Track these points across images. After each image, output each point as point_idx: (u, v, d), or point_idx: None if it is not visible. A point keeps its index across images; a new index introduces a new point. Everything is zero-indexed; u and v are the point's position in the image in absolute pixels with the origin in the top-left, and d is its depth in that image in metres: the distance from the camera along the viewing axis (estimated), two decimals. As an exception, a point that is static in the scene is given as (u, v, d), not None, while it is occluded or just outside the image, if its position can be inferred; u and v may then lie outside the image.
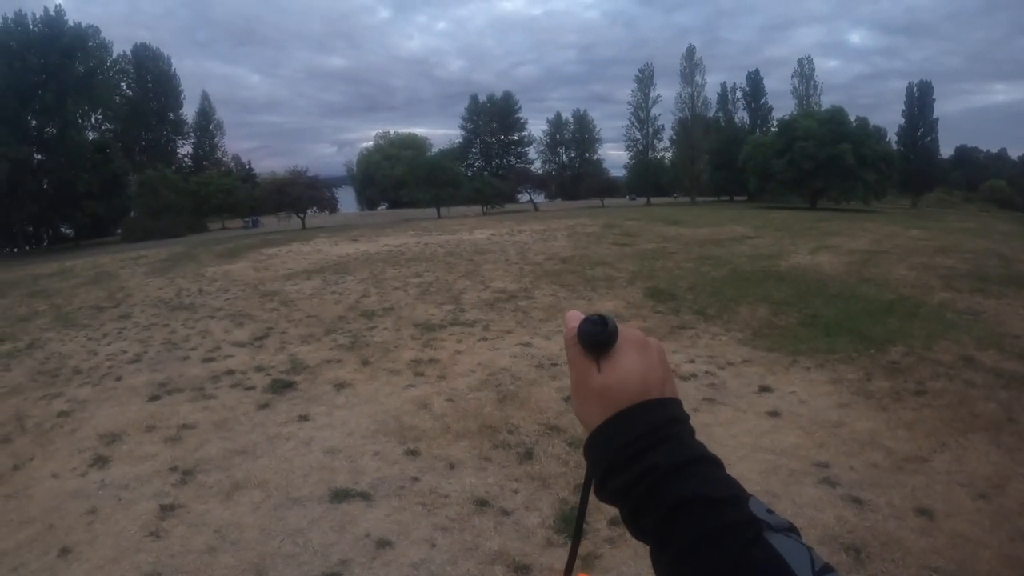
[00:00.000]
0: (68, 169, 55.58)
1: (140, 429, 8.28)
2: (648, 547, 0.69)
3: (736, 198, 77.42)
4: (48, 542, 5.88)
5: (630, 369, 0.74)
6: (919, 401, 8.20)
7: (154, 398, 9.41)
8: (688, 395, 8.43)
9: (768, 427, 7.49)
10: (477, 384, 9.20)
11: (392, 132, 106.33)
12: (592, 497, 0.78)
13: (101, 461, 7.42)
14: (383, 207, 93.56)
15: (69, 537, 5.91)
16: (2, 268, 33.10)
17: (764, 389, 8.71)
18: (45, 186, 57.85)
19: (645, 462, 0.68)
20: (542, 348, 10.78)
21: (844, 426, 7.47)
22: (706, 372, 9.45)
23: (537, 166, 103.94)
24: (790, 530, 0.64)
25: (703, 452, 0.71)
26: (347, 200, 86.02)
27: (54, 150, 56.10)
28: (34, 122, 57.06)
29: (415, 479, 6.55)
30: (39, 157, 57.22)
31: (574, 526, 0.86)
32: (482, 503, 6.04)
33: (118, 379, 10.47)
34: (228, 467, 7.02)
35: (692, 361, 9.99)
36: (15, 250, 58.66)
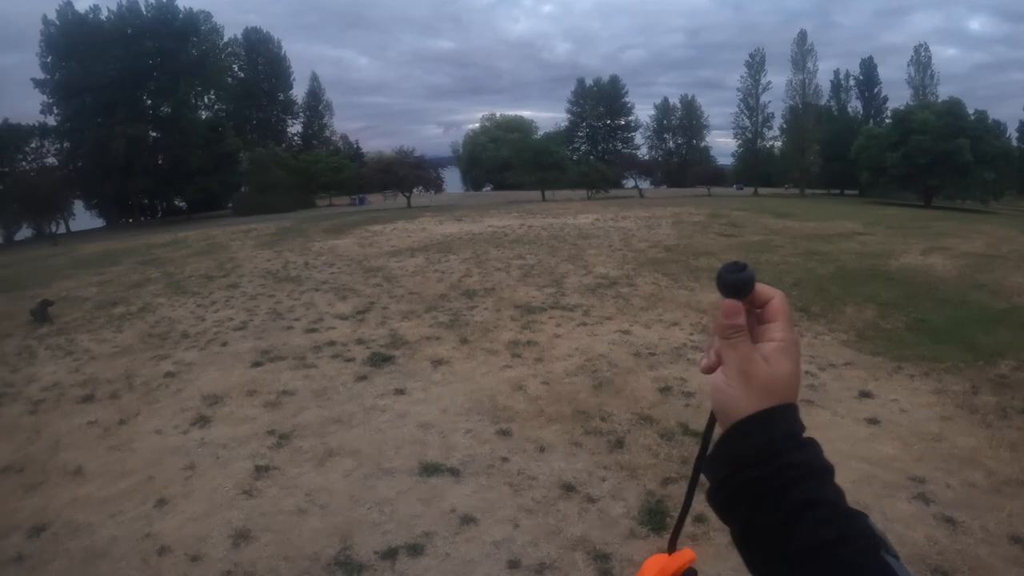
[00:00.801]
0: (182, 146, 59.02)
1: (242, 393, 8.67)
2: (738, 543, 0.73)
3: (847, 192, 74.16)
4: (146, 493, 6.23)
5: (792, 370, 0.76)
6: (1026, 420, 7.62)
7: (257, 364, 9.82)
8: None
9: (865, 435, 7.14)
10: (574, 369, 9.16)
11: (498, 114, 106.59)
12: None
13: (202, 421, 7.82)
14: (488, 188, 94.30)
15: (166, 490, 6.24)
16: (118, 238, 35.13)
17: (864, 394, 8.29)
18: (160, 162, 61.49)
19: (787, 459, 0.72)
20: (641, 336, 10.63)
21: (944, 440, 7.01)
22: (806, 372, 9.06)
23: (643, 152, 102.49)
24: (896, 556, 0.65)
25: (830, 463, 0.75)
26: (452, 181, 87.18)
27: (168, 128, 59.83)
28: (149, 102, 61.01)
29: (504, 459, 6.59)
30: (154, 135, 61.05)
31: (683, 500, 0.89)
32: (569, 488, 6.02)
33: (223, 344, 10.97)
34: (323, 434, 7.25)
35: None
36: (131, 221, 62.41)
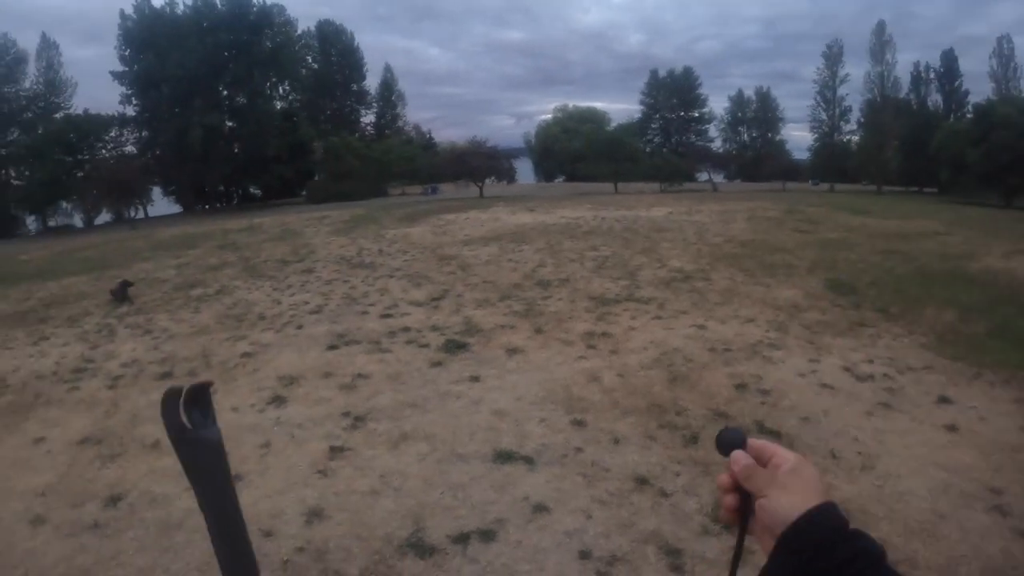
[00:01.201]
0: (257, 135, 60.81)
1: (317, 375, 8.79)
2: None
3: (926, 189, 71.26)
4: (224, 468, 6.30)
5: (817, 474, 0.93)
6: (1107, 434, 7.15)
7: (332, 347, 9.95)
8: (863, 397, 7.92)
9: (944, 442, 6.82)
10: (648, 362, 9.02)
11: (571, 105, 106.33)
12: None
13: (278, 400, 7.95)
14: (560, 179, 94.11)
15: (242, 466, 6.32)
16: (196, 223, 36.17)
17: (943, 400, 7.90)
18: (236, 150, 63.32)
19: (861, 545, 0.81)
20: (716, 332, 10.41)
21: None
22: (884, 375, 8.72)
23: (717, 144, 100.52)
24: None
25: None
26: (524, 171, 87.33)
27: (244, 118, 61.77)
28: (225, 92, 63.07)
29: (579, 449, 6.52)
30: (231, 124, 63.10)
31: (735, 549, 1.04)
32: (642, 481, 5.92)
33: (299, 327, 11.15)
34: (398, 418, 7.29)
35: (871, 361, 9.26)
36: (207, 207, 64.36)
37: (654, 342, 9.87)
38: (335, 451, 6.51)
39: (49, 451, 7.28)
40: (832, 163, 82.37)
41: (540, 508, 5.46)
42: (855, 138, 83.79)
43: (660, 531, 5.16)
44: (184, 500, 5.87)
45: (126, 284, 14.82)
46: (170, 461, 6.62)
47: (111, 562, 5.19)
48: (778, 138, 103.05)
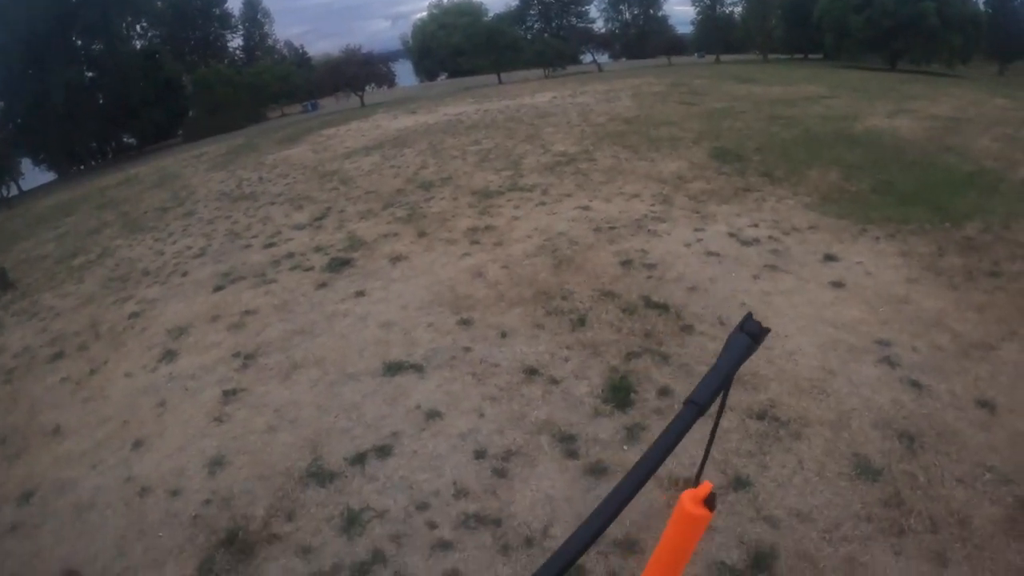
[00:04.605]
0: (121, 82, 56.70)
1: (205, 320, 8.64)
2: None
3: (811, 56, 71.92)
4: (123, 437, 6.28)
5: None
6: (992, 283, 7.54)
7: (218, 288, 9.76)
8: (750, 261, 8.15)
9: (830, 299, 7.14)
10: (533, 250, 9.10)
11: (446, 0, 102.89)
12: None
13: (169, 355, 7.81)
14: (443, 77, 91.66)
15: (141, 430, 6.29)
16: (72, 187, 34.30)
17: (829, 258, 8.23)
18: (101, 102, 59.18)
19: None
20: (601, 211, 10.51)
21: (910, 303, 7.02)
22: (769, 237, 9.00)
23: (599, 25, 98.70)
24: None
25: None
26: (405, 74, 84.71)
27: (104, 66, 57.21)
28: (80, 42, 57.93)
29: (467, 349, 6.63)
30: (91, 75, 58.40)
31: (707, 444, 1.06)
32: (532, 372, 6.08)
33: (184, 275, 10.86)
34: (288, 348, 7.27)
35: (756, 225, 9.52)
36: (82, 167, 60.75)
37: (538, 229, 9.94)
38: (228, 395, 6.48)
39: (-44, 463, 7.09)
40: (716, 35, 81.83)
41: (433, 414, 5.60)
42: (738, 9, 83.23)
43: (552, 419, 5.36)
44: (91, 479, 5.84)
45: (2, 271, 14.12)
46: (72, 443, 6.58)
47: (34, 560, 5.15)
48: (660, 14, 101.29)
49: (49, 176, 60.85)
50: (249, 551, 4.63)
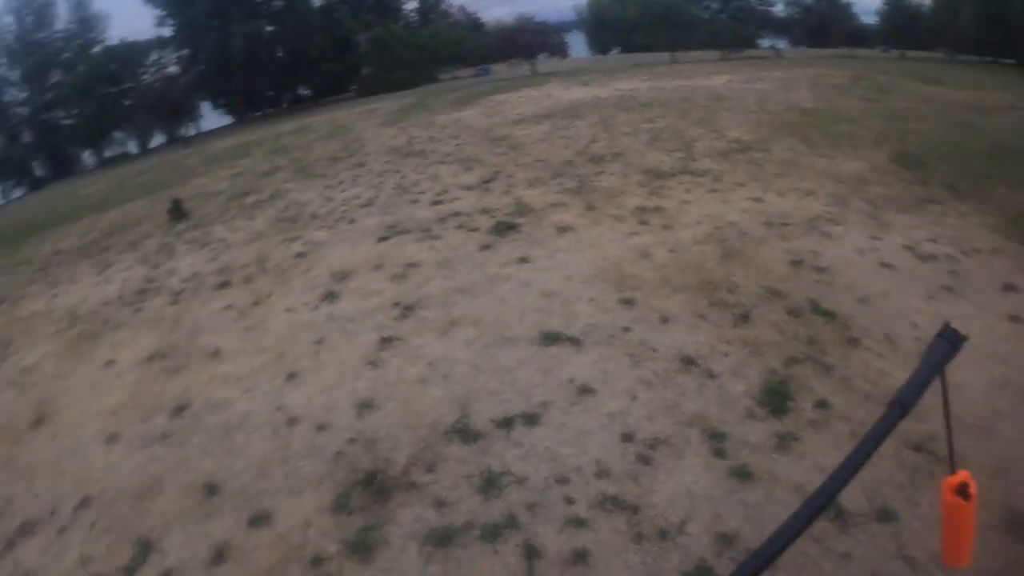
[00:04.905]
0: (299, 36, 59.92)
1: (368, 267, 8.95)
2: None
3: (1003, 60, 65.84)
4: (278, 368, 6.61)
5: None
6: None
7: (383, 239, 10.06)
8: (925, 278, 7.53)
9: (1007, 332, 6.42)
10: (702, 237, 8.81)
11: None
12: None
13: (331, 297, 8.17)
14: (615, 51, 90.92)
15: (297, 364, 6.60)
16: (247, 131, 36.43)
17: (1009, 288, 7.35)
18: (280, 54, 62.59)
19: None
20: (774, 205, 10.03)
21: None
22: (948, 256, 8.20)
23: (779, 8, 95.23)
24: None
25: None
26: (577, 45, 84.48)
27: (284, 20, 60.50)
28: None
29: (626, 329, 6.51)
30: (271, 29, 61.83)
31: (946, 429, 1.18)
32: (689, 362, 5.90)
33: (351, 222, 11.29)
34: (447, 304, 7.40)
35: (934, 241, 8.68)
36: (258, 114, 64.51)
37: (708, 216, 9.62)
38: (385, 342, 6.69)
39: (119, 372, 7.71)
40: (902, 29, 77.28)
41: (585, 390, 5.54)
42: (927, 1, 78.13)
43: (705, 414, 5.20)
44: (244, 403, 6.17)
45: (178, 202, 15.15)
46: (230, 367, 6.97)
47: (179, 468, 5.52)
48: (844, 1, 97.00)
49: (226, 120, 65.03)
50: (386, 494, 4.77)
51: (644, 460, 4.81)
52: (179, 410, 6.38)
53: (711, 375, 5.72)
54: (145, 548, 4.79)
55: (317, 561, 4.37)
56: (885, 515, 4.27)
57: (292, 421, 5.68)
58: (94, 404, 7.06)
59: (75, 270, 12.91)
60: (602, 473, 4.73)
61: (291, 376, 6.40)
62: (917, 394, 1.01)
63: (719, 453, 4.82)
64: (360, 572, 4.27)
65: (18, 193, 57.50)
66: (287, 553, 4.48)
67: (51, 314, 10.52)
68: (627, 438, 4.99)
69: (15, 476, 6.23)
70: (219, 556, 4.57)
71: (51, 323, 10.08)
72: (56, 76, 61.54)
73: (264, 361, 6.83)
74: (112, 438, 6.28)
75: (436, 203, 11.56)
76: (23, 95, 62.48)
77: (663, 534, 4.22)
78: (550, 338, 6.39)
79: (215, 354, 7.37)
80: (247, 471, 5.26)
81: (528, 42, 52.98)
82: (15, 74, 61.63)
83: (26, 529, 5.41)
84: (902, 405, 1.00)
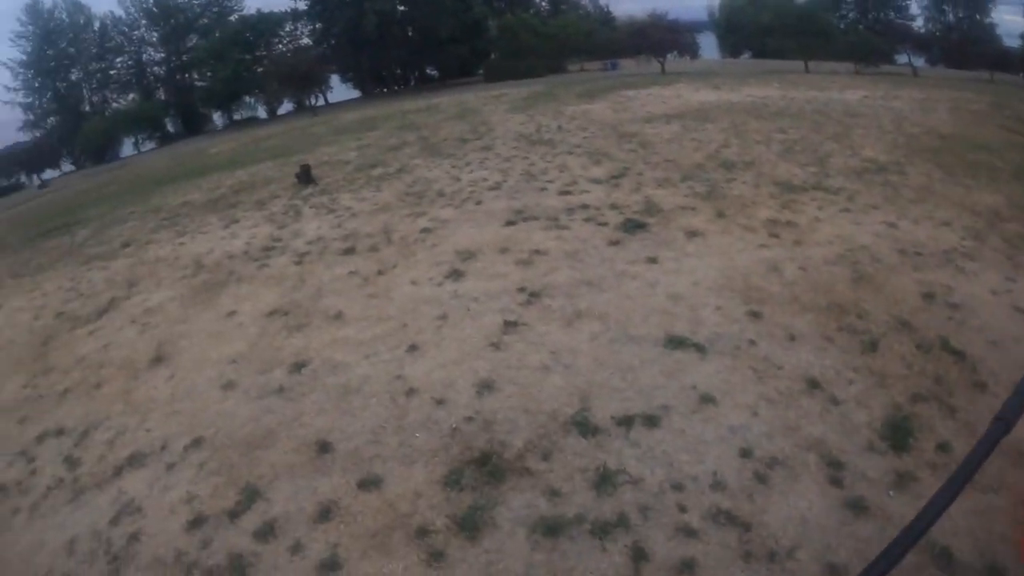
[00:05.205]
0: (430, 17, 61.06)
1: (494, 250, 8.99)
2: None
3: None
4: (400, 338, 6.72)
5: None
6: None
7: (510, 223, 10.09)
8: None
9: None
10: (833, 258, 8.46)
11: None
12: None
13: (456, 275, 8.23)
14: (746, 56, 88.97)
15: (419, 336, 6.69)
16: (374, 106, 37.27)
17: None
18: (410, 34, 63.88)
19: None
20: (908, 232, 9.52)
21: None
22: None
23: (919, 24, 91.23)
24: None
25: None
26: (708, 46, 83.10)
27: (416, 1, 61.66)
28: None
29: (752, 342, 6.33)
30: (403, 8, 63.19)
31: None
32: (814, 384, 5.69)
33: (478, 203, 11.38)
34: (573, 295, 7.35)
35: None
36: (385, 90, 66.14)
37: (840, 236, 9.26)
38: (509, 325, 6.69)
39: (240, 323, 8.00)
40: None
41: (707, 399, 5.43)
42: None
43: (825, 440, 5.02)
44: (363, 367, 6.28)
45: (307, 168, 15.57)
46: (351, 331, 7.10)
47: (294, 423, 5.67)
48: (988, 21, 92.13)
49: (353, 93, 66.97)
50: (499, 476, 4.77)
51: (760, 478, 4.68)
52: (298, 367, 6.56)
53: (835, 401, 5.51)
54: (252, 495, 4.95)
55: (423, 532, 4.42)
56: (994, 573, 4.05)
57: (410, 392, 5.76)
58: (213, 351, 7.35)
59: (202, 222, 13.49)
60: (717, 485, 4.62)
61: (412, 348, 6.48)
62: (1021, 409, 0.97)
63: (835, 482, 4.65)
64: (466, 549, 4.29)
65: (149, 147, 61.02)
66: (393, 520, 4.55)
67: (176, 261, 11.03)
68: (745, 453, 4.86)
69: (129, 409, 6.56)
70: (325, 513, 4.68)
71: (176, 269, 10.57)
72: (193, 40, 65.81)
73: (386, 329, 6.95)
74: (229, 385, 6.52)
75: (565, 193, 11.52)
76: (160, 55, 67.57)
77: (772, 555, 4.11)
78: (675, 342, 6.27)
79: (337, 316, 7.55)
80: (361, 434, 5.36)
81: (659, 39, 52.12)
82: (153, 36, 66.64)
83: (135, 460, 5.68)
84: (1006, 421, 0.98)
